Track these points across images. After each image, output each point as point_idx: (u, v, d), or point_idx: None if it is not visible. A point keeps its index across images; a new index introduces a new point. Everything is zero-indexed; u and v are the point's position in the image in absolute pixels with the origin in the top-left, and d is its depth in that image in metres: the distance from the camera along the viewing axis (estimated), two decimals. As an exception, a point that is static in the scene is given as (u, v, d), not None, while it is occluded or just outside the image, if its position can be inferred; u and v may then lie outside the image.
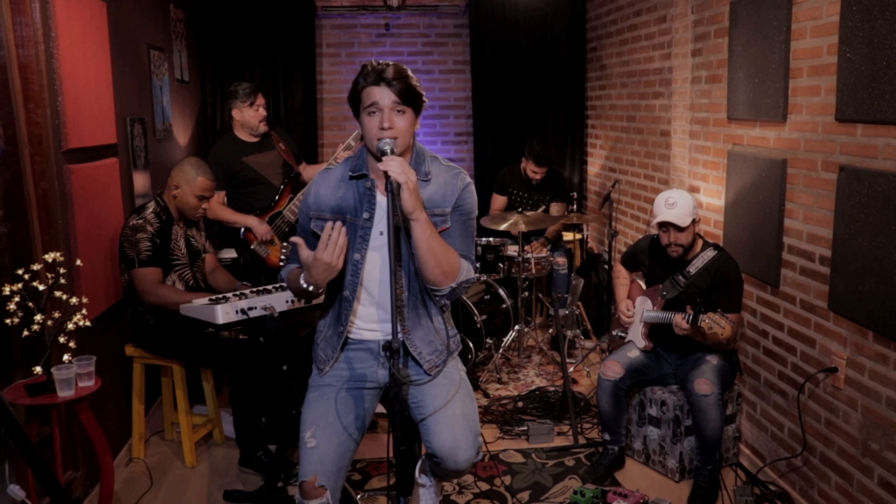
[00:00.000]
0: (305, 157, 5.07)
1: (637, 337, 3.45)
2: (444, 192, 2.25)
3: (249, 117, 4.25)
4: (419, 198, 2.10)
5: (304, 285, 2.19)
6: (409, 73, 2.16)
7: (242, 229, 4.21)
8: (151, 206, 3.44)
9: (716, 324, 2.99)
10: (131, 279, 3.34)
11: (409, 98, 2.14)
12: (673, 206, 3.23)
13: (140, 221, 3.35)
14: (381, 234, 2.23)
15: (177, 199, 3.47)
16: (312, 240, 2.32)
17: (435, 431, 2.23)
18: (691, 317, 3.08)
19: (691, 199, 3.25)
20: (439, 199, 2.24)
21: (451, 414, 2.25)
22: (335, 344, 2.32)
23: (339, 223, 2.10)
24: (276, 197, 4.33)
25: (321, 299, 2.40)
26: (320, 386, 2.32)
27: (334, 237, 2.08)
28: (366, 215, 2.23)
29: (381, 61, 2.15)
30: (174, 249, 3.46)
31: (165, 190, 3.52)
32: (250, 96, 4.22)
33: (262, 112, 4.28)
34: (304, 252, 2.13)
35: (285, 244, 4.25)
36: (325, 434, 2.22)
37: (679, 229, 3.22)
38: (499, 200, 5.25)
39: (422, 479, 2.52)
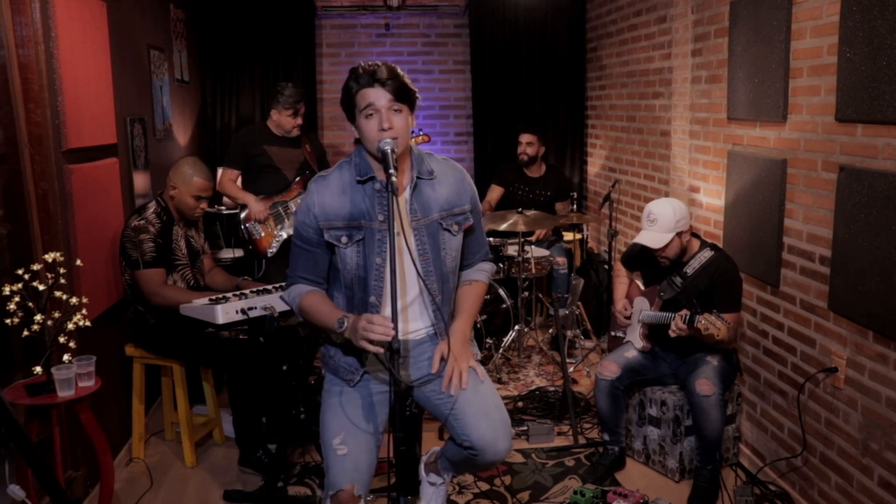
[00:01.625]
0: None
1: (635, 337, 3.45)
2: (458, 190, 2.30)
3: (285, 122, 4.38)
4: (469, 350, 2.31)
5: (339, 329, 2.12)
6: (400, 71, 2.17)
7: (244, 208, 4.36)
8: (152, 207, 3.44)
9: (712, 325, 2.98)
10: (135, 280, 3.34)
11: (404, 96, 2.14)
12: (653, 222, 3.20)
13: (142, 222, 3.34)
14: (398, 234, 2.18)
15: (174, 199, 3.47)
16: (325, 251, 2.25)
17: (473, 425, 2.18)
18: (687, 318, 3.08)
19: (672, 211, 3.18)
20: (456, 197, 2.29)
21: (486, 405, 2.22)
22: (362, 352, 2.19)
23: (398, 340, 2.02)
24: (286, 186, 4.40)
25: None
26: (343, 392, 2.26)
27: (384, 332, 1.99)
28: (381, 217, 2.19)
29: (370, 62, 2.14)
30: (175, 250, 3.46)
31: (165, 190, 3.52)
32: (293, 106, 4.32)
33: (300, 121, 4.39)
34: (380, 322, 2.01)
35: (279, 233, 4.33)
36: (355, 440, 2.18)
37: (656, 249, 3.22)
38: (495, 190, 5.27)
39: (431, 477, 2.49)
